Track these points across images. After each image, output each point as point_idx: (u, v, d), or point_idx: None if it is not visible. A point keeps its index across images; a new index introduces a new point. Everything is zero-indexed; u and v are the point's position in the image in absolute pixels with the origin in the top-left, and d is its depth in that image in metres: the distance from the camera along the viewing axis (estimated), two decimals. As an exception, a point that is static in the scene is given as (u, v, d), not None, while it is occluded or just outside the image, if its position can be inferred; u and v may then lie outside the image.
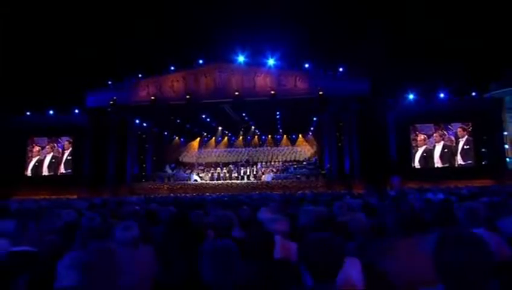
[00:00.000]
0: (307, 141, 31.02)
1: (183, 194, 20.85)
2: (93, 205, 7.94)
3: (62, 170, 26.16)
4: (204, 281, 1.61)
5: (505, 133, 23.92)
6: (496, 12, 28.22)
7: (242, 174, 25.81)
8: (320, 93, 20.86)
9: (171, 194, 21.32)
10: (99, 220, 3.75)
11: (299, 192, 16.94)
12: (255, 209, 4.55)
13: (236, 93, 21.64)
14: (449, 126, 24.03)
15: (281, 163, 28.62)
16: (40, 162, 26.24)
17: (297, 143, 31.30)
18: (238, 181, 24.75)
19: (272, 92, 21.34)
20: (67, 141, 26.25)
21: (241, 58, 22.77)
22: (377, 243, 2.34)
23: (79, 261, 1.99)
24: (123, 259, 1.83)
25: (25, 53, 28.35)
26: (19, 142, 26.09)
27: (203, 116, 25.12)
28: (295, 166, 27.11)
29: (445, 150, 23.70)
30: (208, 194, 20.15)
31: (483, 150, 23.76)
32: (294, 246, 2.65)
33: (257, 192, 20.10)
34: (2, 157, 25.01)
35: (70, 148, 26.18)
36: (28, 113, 26.17)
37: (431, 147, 23.92)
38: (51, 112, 26.15)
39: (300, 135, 31.15)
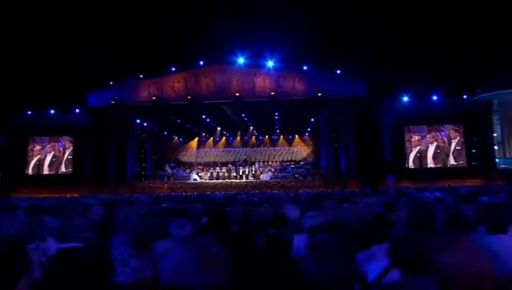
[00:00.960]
0: (303, 142, 31.64)
1: (183, 193, 21.31)
2: (111, 202, 8.27)
3: (63, 169, 26.38)
4: (310, 276, 1.71)
5: (495, 134, 24.83)
6: (484, 19, 29.19)
7: (241, 173, 26.32)
8: (319, 94, 21.42)
9: (172, 193, 21.78)
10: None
11: (301, 191, 17.54)
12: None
13: (237, 94, 22.13)
14: (442, 128, 24.77)
15: (278, 163, 29.23)
16: (41, 161, 26.43)
17: (293, 143, 31.90)
18: (237, 180, 25.27)
19: (272, 93, 21.87)
20: (68, 140, 26.46)
21: (241, 60, 23.28)
22: (431, 239, 2.44)
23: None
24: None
25: (27, 53, 28.51)
26: (20, 141, 26.25)
27: (203, 116, 25.58)
28: (293, 166, 27.72)
29: (438, 151, 24.47)
30: (208, 192, 20.59)
31: (473, 151, 24.58)
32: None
33: (257, 191, 20.67)
34: (3, 156, 25.23)
35: (71, 148, 26.39)
36: (29, 112, 26.33)
37: (424, 148, 24.66)
38: (52, 111, 26.36)
39: (296, 136, 31.76)
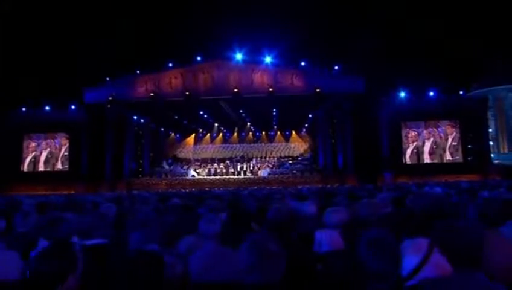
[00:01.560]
0: (300, 137, 31.69)
1: (181, 189, 21.28)
2: (117, 199, 8.18)
3: (59, 165, 26.17)
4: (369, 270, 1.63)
5: (490, 130, 25.10)
6: (480, 16, 29.41)
7: (239, 169, 26.33)
8: (318, 90, 21.45)
9: (170, 189, 21.74)
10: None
11: (303, 186, 17.60)
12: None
13: (236, 90, 22.07)
14: (438, 123, 24.99)
15: (275, 159, 29.28)
16: (36, 158, 26.19)
17: (291, 139, 31.95)
18: (236, 177, 25.28)
19: (270, 89, 21.85)
20: (63, 136, 26.22)
21: (238, 56, 23.18)
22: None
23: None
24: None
25: (22, 48, 28.10)
26: (14, 138, 25.97)
27: (201, 112, 25.49)
28: (290, 162, 27.80)
29: (435, 147, 24.70)
30: (207, 189, 20.58)
31: (469, 146, 24.85)
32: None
33: (256, 187, 20.72)
34: (-2, 153, 24.94)
35: (67, 144, 26.17)
36: (24, 108, 26.03)
37: (421, 144, 24.87)
38: (47, 107, 26.06)
39: (293, 132, 31.80)
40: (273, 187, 20.21)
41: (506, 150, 34.37)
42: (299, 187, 17.92)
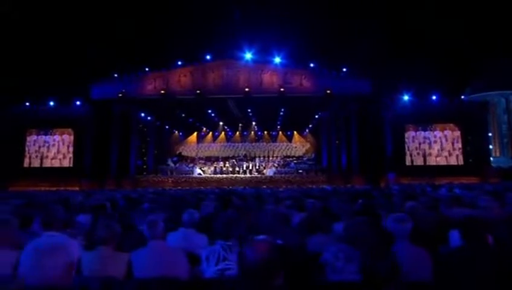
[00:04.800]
0: (303, 138, 32.01)
1: (187, 188, 21.30)
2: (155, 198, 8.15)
3: (62, 162, 25.79)
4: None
5: (490, 134, 25.88)
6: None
7: (244, 168, 26.48)
8: (328, 92, 21.79)
9: (179, 187, 21.73)
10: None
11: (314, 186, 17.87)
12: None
13: (247, 89, 22.21)
14: (440, 126, 25.60)
15: (279, 158, 29.51)
16: (39, 154, 25.76)
17: (293, 139, 32.23)
18: (242, 175, 25.42)
19: (282, 89, 22.08)
20: (67, 132, 25.86)
21: (248, 56, 23.34)
22: None
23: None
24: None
25: (26, 44, 27.62)
26: (17, 133, 25.49)
27: (209, 111, 25.53)
28: (295, 161, 28.08)
29: (437, 149, 25.32)
30: (215, 187, 20.64)
31: (469, 149, 25.54)
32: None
33: (265, 186, 20.93)
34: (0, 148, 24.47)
35: (71, 141, 25.82)
36: (27, 103, 25.58)
37: (423, 146, 25.46)
38: (51, 103, 25.67)
39: (295, 132, 32.08)
40: (283, 187, 20.43)
41: (498, 154, 35.45)
42: (312, 187, 18.26)
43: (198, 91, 22.48)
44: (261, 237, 1.62)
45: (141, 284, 2.38)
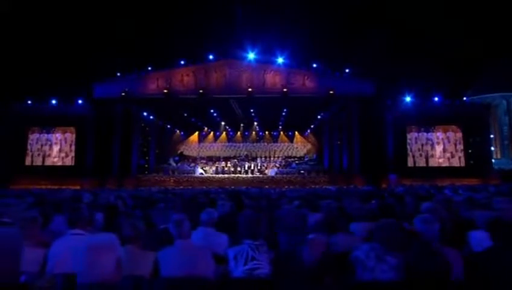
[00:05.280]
0: (304, 138, 32.01)
1: (190, 187, 21.29)
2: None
3: (63, 160, 25.78)
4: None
5: (492, 135, 25.91)
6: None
7: (246, 168, 26.49)
8: (331, 92, 21.79)
9: (181, 187, 21.73)
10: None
11: (327, 187, 17.87)
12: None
13: (250, 89, 22.21)
14: (442, 128, 25.64)
15: (280, 158, 29.52)
16: (41, 152, 25.74)
17: (294, 140, 32.22)
18: (244, 175, 25.42)
19: (285, 90, 22.09)
20: (69, 131, 25.84)
21: (251, 56, 23.33)
22: None
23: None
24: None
25: (28, 43, 27.59)
26: (18, 131, 25.46)
27: (211, 111, 25.52)
28: (297, 162, 28.09)
29: (438, 150, 25.35)
30: (212, 187, 20.61)
31: (470, 151, 25.57)
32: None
33: (267, 186, 20.94)
34: (1, 146, 24.41)
35: (73, 139, 25.80)
36: (29, 101, 25.54)
37: (425, 147, 25.48)
38: (53, 101, 25.64)
39: (296, 132, 32.08)
40: (285, 187, 20.45)
41: (499, 156, 35.51)
42: (324, 187, 18.27)
43: (201, 91, 22.48)
44: (312, 236, 1.62)
45: (170, 282, 2.37)
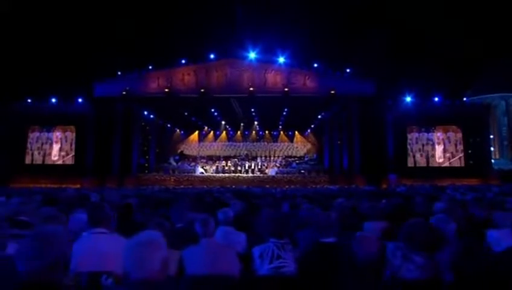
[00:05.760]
0: (304, 138, 32.00)
1: (190, 186, 21.28)
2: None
3: (64, 159, 25.71)
4: None
5: (491, 136, 26.02)
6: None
7: (246, 168, 26.50)
8: (332, 92, 21.83)
9: (182, 186, 21.71)
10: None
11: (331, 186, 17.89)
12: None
13: (251, 89, 22.21)
14: (442, 128, 25.72)
15: (280, 158, 29.52)
16: (41, 151, 25.65)
17: (294, 139, 32.21)
18: (245, 175, 25.43)
19: (286, 89, 22.11)
20: (69, 130, 25.77)
21: (252, 55, 23.33)
22: None
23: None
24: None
25: (29, 42, 27.49)
26: (18, 130, 25.37)
27: (212, 110, 25.50)
28: (297, 161, 28.12)
29: (438, 151, 25.44)
30: (218, 186, 20.60)
31: (470, 151, 25.66)
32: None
33: (268, 186, 20.97)
34: (1, 145, 24.32)
35: (73, 138, 25.73)
36: (29, 100, 25.45)
37: (426, 148, 25.56)
38: (53, 100, 25.55)
39: (296, 132, 32.07)
40: (286, 187, 20.47)
41: (497, 156, 35.68)
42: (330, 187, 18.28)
43: (202, 90, 22.45)
44: (360, 233, 1.65)
45: (196, 280, 2.38)
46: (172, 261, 2.52)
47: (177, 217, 3.61)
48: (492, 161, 28.27)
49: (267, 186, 20.76)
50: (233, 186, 19.63)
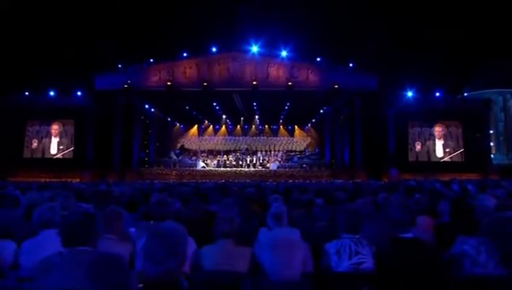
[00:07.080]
0: (304, 132, 31.95)
1: (192, 181, 21.16)
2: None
3: (63, 152, 25.39)
4: None
5: (491, 131, 26.22)
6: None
7: (248, 162, 26.42)
8: (336, 86, 21.77)
9: (184, 180, 21.57)
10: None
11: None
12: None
13: (254, 82, 22.06)
14: (443, 123, 25.85)
15: (281, 152, 29.45)
16: (39, 144, 25.31)
17: (294, 134, 32.14)
18: (246, 169, 25.36)
19: (290, 83, 22.00)
20: (68, 123, 25.43)
21: (254, 49, 23.13)
22: None
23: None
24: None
25: (28, 34, 26.96)
26: (17, 123, 24.97)
27: (214, 104, 25.31)
28: (298, 156, 28.10)
29: (439, 146, 25.60)
30: (217, 180, 20.48)
31: (470, 146, 25.83)
32: None
33: (271, 180, 20.90)
34: (-1, 138, 23.95)
35: (72, 131, 25.40)
36: (27, 93, 25.01)
37: (426, 142, 25.70)
38: (52, 93, 25.14)
39: (296, 126, 31.99)
40: (289, 181, 20.43)
41: (494, 151, 36.02)
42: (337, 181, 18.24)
43: (205, 84, 22.22)
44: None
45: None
46: (245, 258, 2.44)
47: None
48: (492, 156, 28.53)
49: (270, 180, 20.71)
50: (236, 181, 19.52)
